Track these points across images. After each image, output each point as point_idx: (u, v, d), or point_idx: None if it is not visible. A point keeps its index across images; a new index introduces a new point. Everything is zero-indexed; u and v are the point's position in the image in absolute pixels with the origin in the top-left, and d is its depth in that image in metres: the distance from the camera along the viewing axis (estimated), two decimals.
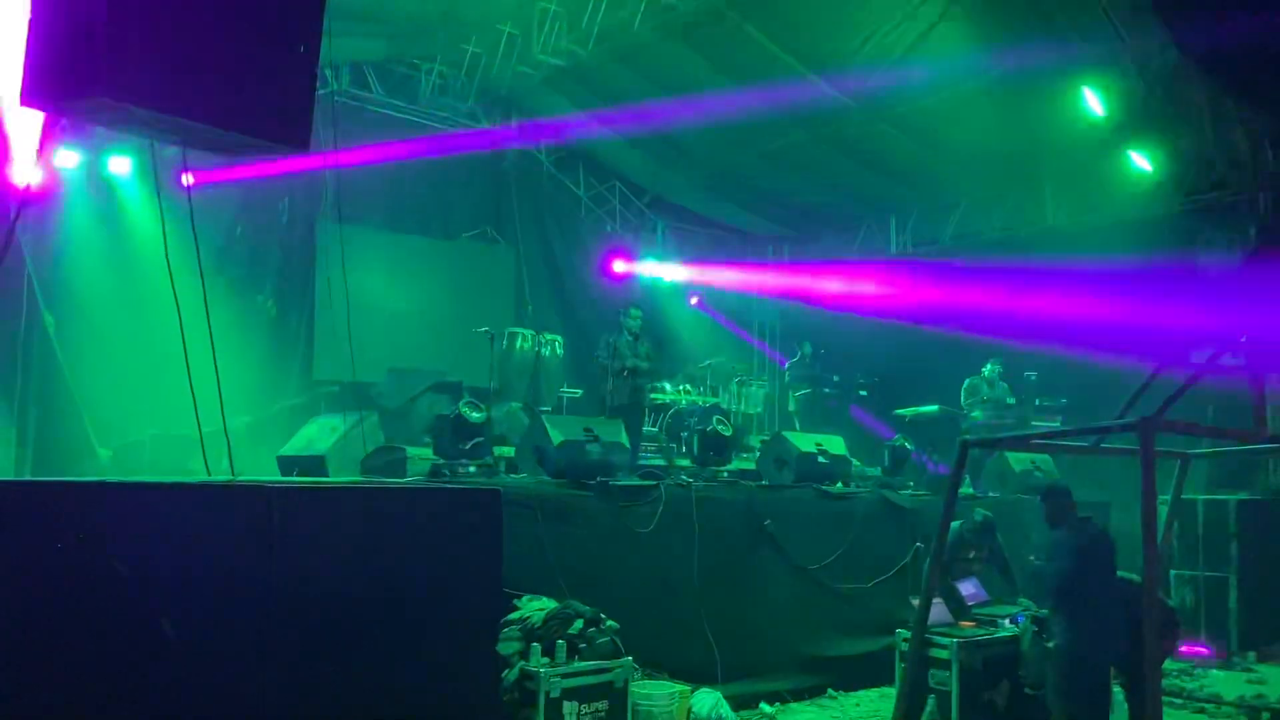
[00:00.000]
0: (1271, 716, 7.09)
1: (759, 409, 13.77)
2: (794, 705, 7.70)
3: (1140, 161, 11.16)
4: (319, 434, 7.56)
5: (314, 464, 7.10)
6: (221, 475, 5.41)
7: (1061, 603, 6.03)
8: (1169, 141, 11.05)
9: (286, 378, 11.80)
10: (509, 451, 8.46)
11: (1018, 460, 9.99)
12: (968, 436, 7.07)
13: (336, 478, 6.86)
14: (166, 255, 5.33)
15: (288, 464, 7.44)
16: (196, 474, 5.77)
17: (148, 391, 9.52)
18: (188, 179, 10.14)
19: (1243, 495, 10.18)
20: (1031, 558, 6.54)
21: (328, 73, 12.57)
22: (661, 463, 10.07)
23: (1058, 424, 11.14)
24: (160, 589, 3.92)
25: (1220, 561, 9.82)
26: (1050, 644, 6.09)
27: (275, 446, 8.78)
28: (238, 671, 4.14)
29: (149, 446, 9.70)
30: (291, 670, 4.24)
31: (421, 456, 7.53)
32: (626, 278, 15.62)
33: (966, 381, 11.83)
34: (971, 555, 7.67)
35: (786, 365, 14.20)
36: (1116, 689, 7.05)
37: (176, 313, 5.27)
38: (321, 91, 12.47)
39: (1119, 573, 6.88)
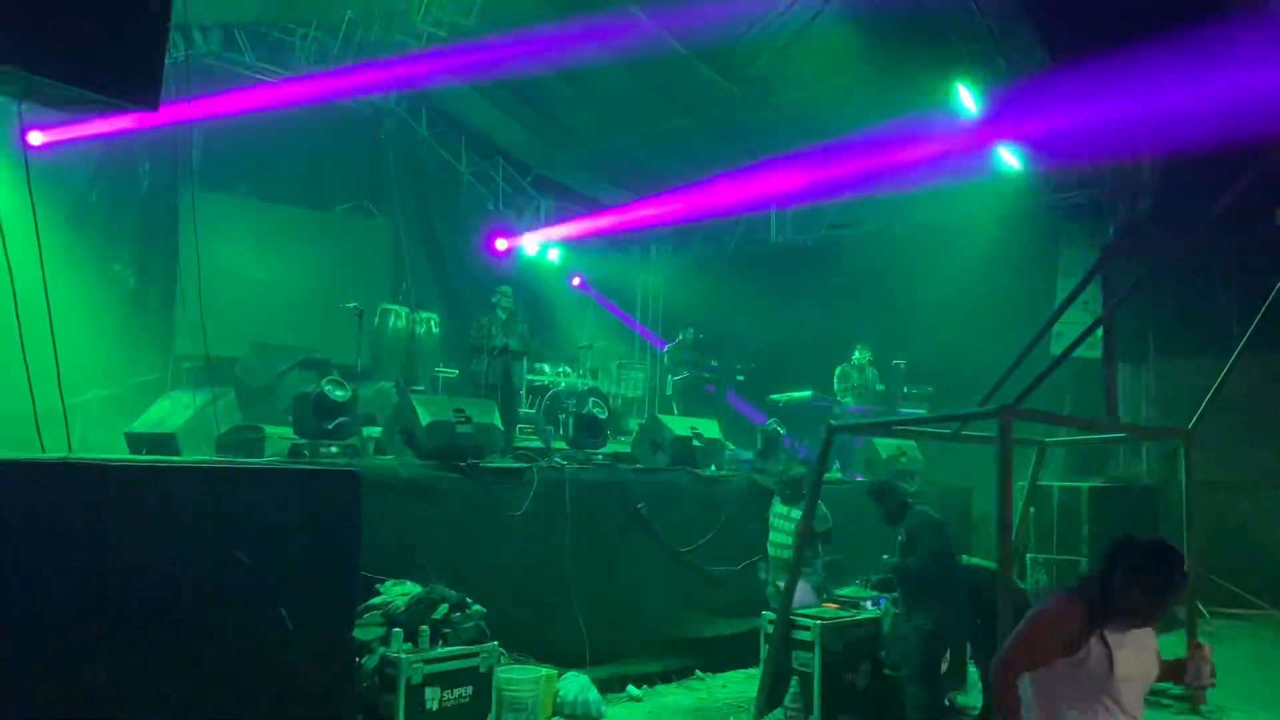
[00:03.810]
0: None
1: (639, 392, 13.78)
2: (661, 687, 7.73)
3: (1008, 159, 11.50)
4: (172, 410, 7.19)
5: (165, 442, 6.75)
6: (58, 452, 5.07)
7: (925, 590, 6.19)
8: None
9: (145, 351, 11.24)
10: (377, 432, 8.23)
11: (884, 446, 10.22)
12: (834, 422, 7.16)
13: (188, 457, 6.55)
14: None
15: (137, 441, 7.06)
16: (33, 452, 5.42)
17: None
18: (37, 137, 9.54)
19: (1094, 481, 10.64)
20: (885, 557, 6.69)
21: (195, 34, 12.03)
22: (538, 445, 9.97)
23: (924, 411, 11.45)
24: None
25: (1072, 545, 10.25)
26: (913, 625, 6.24)
27: (131, 423, 8.35)
28: (70, 659, 3.90)
29: None
30: (130, 658, 4.02)
31: (283, 436, 7.25)
32: (508, 256, 15.40)
33: (838, 368, 12.05)
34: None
35: (666, 349, 14.23)
36: (972, 669, 7.31)
37: (10, 281, 4.92)
38: (189, 53, 11.99)
39: (973, 559, 7.14)
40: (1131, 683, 3.13)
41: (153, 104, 4.60)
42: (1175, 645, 3.55)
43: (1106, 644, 3.08)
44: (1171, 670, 3.30)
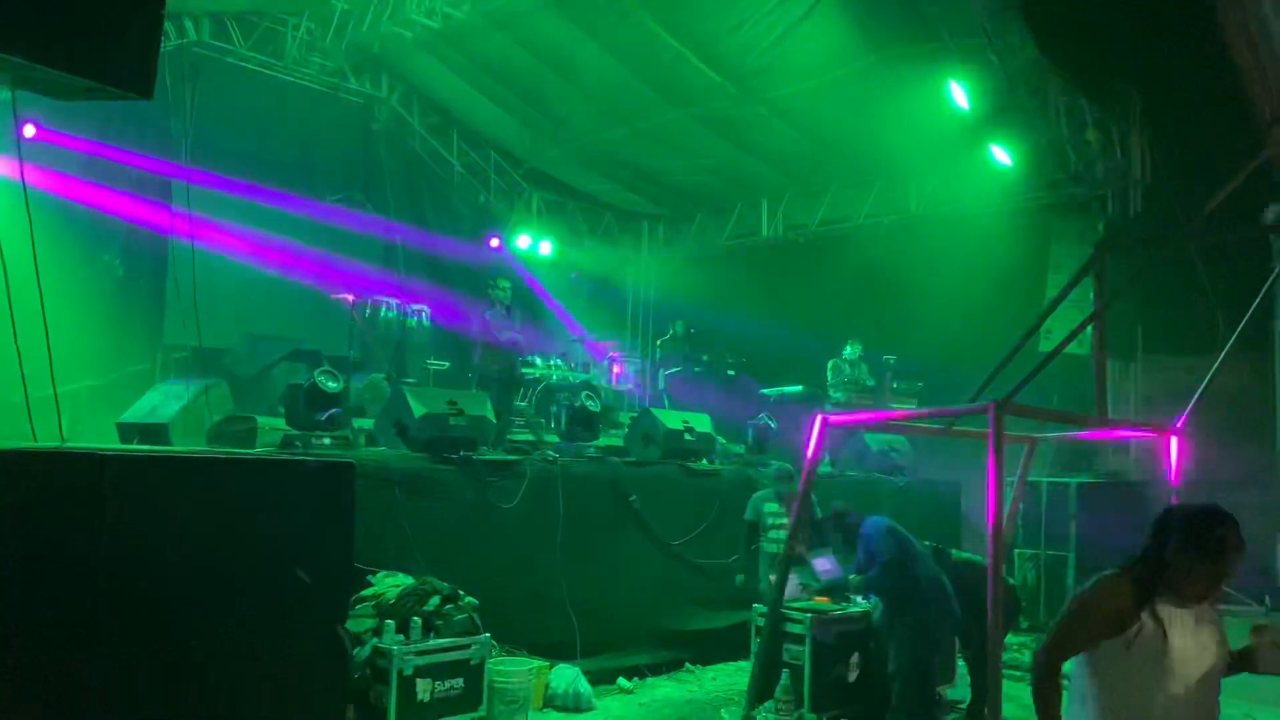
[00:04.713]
0: None
1: (630, 385, 13.78)
2: (652, 679, 7.76)
3: (1000, 155, 11.53)
4: (163, 401, 7.17)
5: (156, 432, 6.73)
6: (50, 442, 5.05)
7: (899, 595, 6.25)
8: (1028, 136, 11.46)
9: (134, 341, 11.20)
10: (369, 424, 8.22)
11: (875, 440, 10.26)
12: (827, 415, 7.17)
13: (179, 447, 6.53)
14: None
15: (128, 431, 7.03)
16: (25, 441, 5.39)
17: None
18: (29, 130, 9.50)
19: (1082, 477, 10.69)
20: (853, 576, 6.75)
21: (186, 22, 11.96)
22: (530, 438, 9.97)
23: (914, 406, 11.49)
24: None
25: (1060, 541, 10.31)
26: (898, 623, 6.29)
27: (120, 413, 8.33)
28: (61, 651, 3.89)
29: None
30: (122, 649, 4.00)
31: (274, 427, 7.23)
32: (500, 249, 15.40)
33: (830, 362, 12.09)
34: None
35: (658, 342, 14.24)
36: (961, 662, 7.35)
37: (3, 270, 4.90)
38: (179, 42, 11.93)
39: (962, 554, 7.18)
40: (1190, 670, 2.85)
41: (147, 91, 4.57)
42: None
43: (1159, 620, 2.83)
44: (1242, 660, 3.02)
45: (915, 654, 6.23)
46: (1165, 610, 2.85)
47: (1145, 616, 2.83)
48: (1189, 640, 2.86)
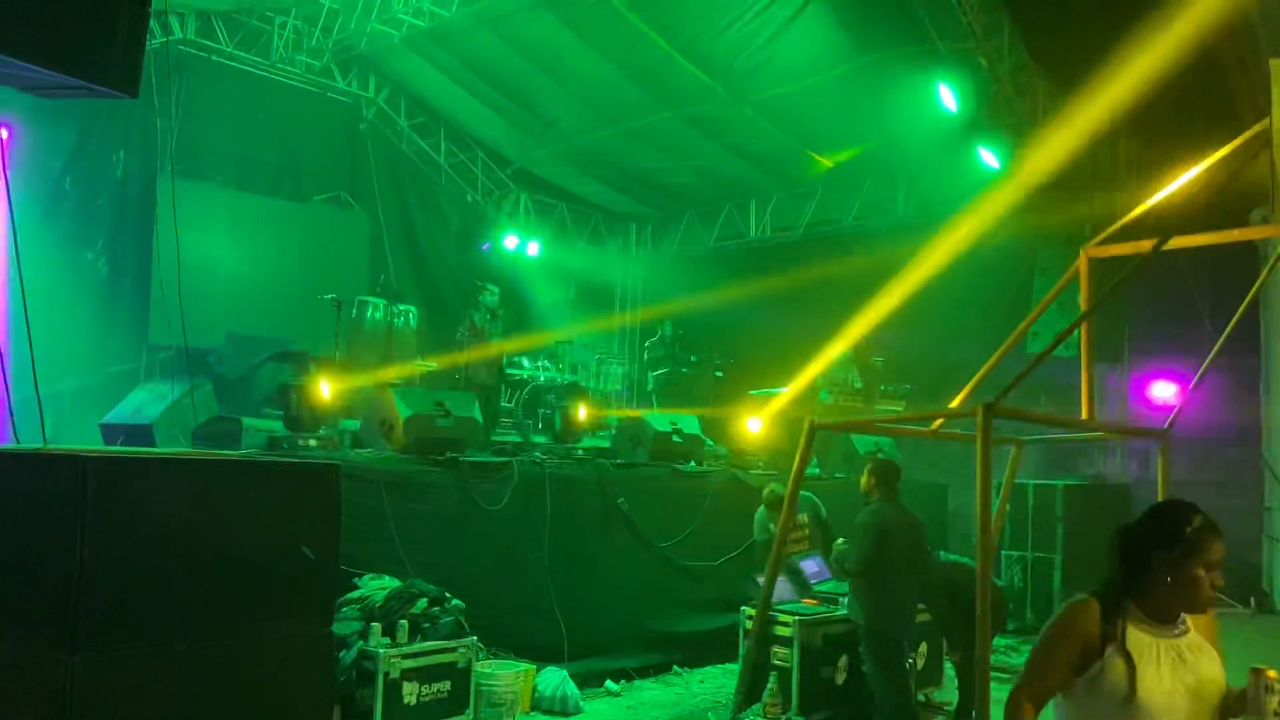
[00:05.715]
0: None
1: (618, 387, 13.76)
2: (640, 682, 7.74)
3: (988, 158, 11.54)
4: (147, 401, 7.12)
5: (140, 432, 6.68)
6: (33, 443, 5.00)
7: (860, 587, 6.24)
8: (1015, 138, 11.47)
9: (118, 341, 11.13)
10: (355, 425, 8.18)
11: (863, 442, 10.26)
12: (815, 418, 7.17)
13: (164, 448, 6.48)
14: None
15: (112, 432, 6.98)
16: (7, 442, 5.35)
17: None
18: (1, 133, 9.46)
19: (1069, 480, 10.73)
20: (840, 540, 6.73)
21: (172, 20, 11.89)
22: (518, 439, 9.95)
23: (902, 408, 11.50)
24: None
25: (1047, 543, 10.34)
26: (855, 620, 6.30)
27: (104, 413, 8.27)
28: (44, 653, 3.84)
29: None
30: (104, 652, 3.95)
31: (259, 428, 7.19)
32: (487, 249, 15.36)
33: None
34: (804, 533, 7.81)
35: (646, 344, 14.23)
36: (949, 664, 7.36)
37: None
38: (164, 40, 11.86)
39: (950, 556, 7.17)
40: (1168, 711, 2.46)
41: (133, 90, 4.53)
42: None
43: (1127, 655, 2.46)
44: (1232, 701, 2.58)
45: (873, 655, 6.21)
46: (1138, 641, 2.50)
47: (1111, 651, 2.48)
48: (1165, 679, 2.48)
